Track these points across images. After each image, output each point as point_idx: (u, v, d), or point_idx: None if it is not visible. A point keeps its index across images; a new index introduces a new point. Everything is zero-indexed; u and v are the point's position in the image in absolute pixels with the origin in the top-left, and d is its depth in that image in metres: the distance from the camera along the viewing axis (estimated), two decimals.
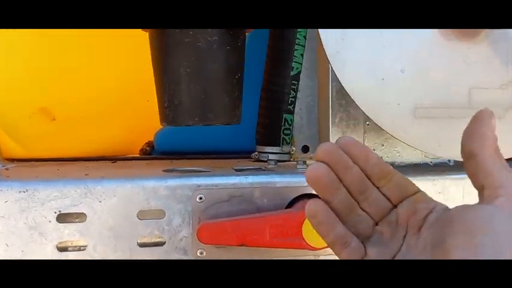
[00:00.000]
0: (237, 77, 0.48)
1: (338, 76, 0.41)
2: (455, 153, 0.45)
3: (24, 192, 0.41)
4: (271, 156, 0.59)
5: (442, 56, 0.42)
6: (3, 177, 0.43)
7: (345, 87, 0.42)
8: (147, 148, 0.72)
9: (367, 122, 0.52)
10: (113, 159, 0.64)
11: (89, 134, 0.66)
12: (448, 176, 0.48)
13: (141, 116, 0.68)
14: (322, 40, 0.41)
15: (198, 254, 0.44)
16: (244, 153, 0.64)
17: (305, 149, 0.60)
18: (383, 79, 0.41)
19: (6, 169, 0.51)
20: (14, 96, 0.62)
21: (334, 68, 0.42)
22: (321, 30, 0.42)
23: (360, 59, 0.41)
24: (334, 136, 0.52)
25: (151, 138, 0.70)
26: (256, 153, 0.60)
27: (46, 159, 0.62)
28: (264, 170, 0.51)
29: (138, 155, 0.70)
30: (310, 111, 0.61)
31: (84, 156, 0.65)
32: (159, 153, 0.69)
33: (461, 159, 0.46)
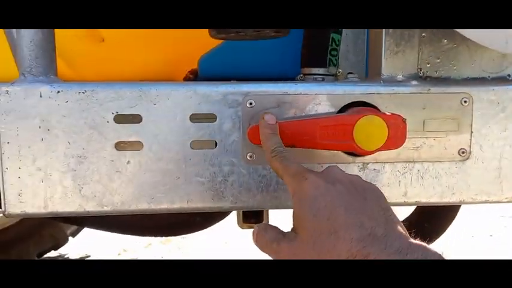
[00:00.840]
0: None
1: None
2: None
3: (83, 93, 0.43)
4: (316, 77, 0.58)
5: None
6: (63, 80, 0.44)
7: None
8: (191, 76, 0.73)
9: (423, 34, 0.49)
10: None
11: (135, 58, 0.67)
12: (508, 87, 0.46)
13: (186, 42, 0.68)
14: None
15: (248, 158, 0.45)
16: (289, 80, 0.63)
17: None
18: None
19: None
20: None
21: None
22: None
23: None
24: (386, 48, 0.50)
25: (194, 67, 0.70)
26: (301, 75, 0.59)
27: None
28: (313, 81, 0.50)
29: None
30: (356, 37, 0.59)
31: (128, 80, 0.66)
32: (203, 80, 0.70)
33: None
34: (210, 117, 0.44)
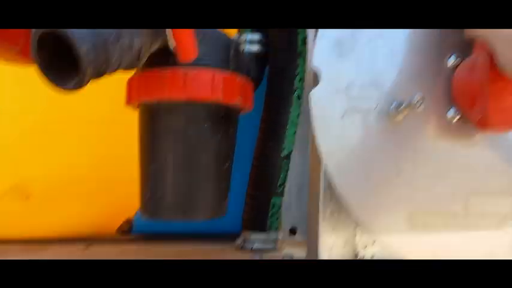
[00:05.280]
0: (226, 166, 0.46)
1: (333, 182, 0.39)
2: None
3: None
4: (256, 245, 0.56)
5: (439, 161, 0.40)
6: None
7: (338, 193, 0.40)
8: (126, 227, 0.68)
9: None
10: (87, 240, 0.60)
11: (64, 212, 0.62)
12: None
13: (121, 194, 0.64)
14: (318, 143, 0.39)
15: None
16: (229, 236, 0.61)
17: (293, 231, 0.57)
18: (377, 184, 0.39)
19: None
20: None
21: (328, 170, 0.40)
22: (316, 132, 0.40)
23: (353, 159, 0.40)
24: (324, 232, 0.49)
25: (131, 214, 0.66)
26: (241, 240, 0.57)
27: (12, 240, 0.58)
28: None
29: (114, 236, 0.65)
30: (300, 190, 0.58)
31: (54, 237, 0.60)
32: (137, 233, 0.65)
33: None
34: None
